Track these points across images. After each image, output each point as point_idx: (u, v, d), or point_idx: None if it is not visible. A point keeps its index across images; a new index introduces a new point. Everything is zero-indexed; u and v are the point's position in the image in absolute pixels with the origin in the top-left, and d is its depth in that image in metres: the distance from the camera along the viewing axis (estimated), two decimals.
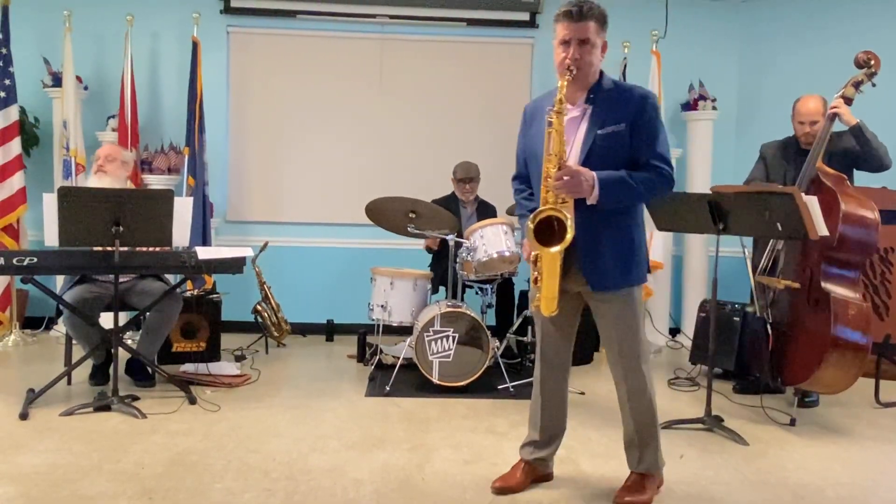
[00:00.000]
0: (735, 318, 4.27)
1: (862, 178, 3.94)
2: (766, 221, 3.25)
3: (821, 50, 5.21)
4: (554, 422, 2.71)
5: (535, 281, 2.44)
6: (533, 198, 2.59)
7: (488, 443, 3.15)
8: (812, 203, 3.19)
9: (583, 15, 2.36)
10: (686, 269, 5.48)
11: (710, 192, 3.53)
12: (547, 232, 2.36)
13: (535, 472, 2.73)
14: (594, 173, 2.35)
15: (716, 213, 3.34)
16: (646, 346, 2.55)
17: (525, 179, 2.67)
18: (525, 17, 5.51)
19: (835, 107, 3.62)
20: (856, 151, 3.71)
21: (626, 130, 2.41)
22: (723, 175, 5.25)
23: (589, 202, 2.36)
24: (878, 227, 3.46)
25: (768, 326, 3.68)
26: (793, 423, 3.52)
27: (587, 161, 2.40)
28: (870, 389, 3.96)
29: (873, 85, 3.66)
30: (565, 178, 2.33)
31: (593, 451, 3.14)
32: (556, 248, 2.33)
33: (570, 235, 2.32)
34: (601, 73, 2.49)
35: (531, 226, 2.35)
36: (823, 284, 3.46)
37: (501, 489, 2.65)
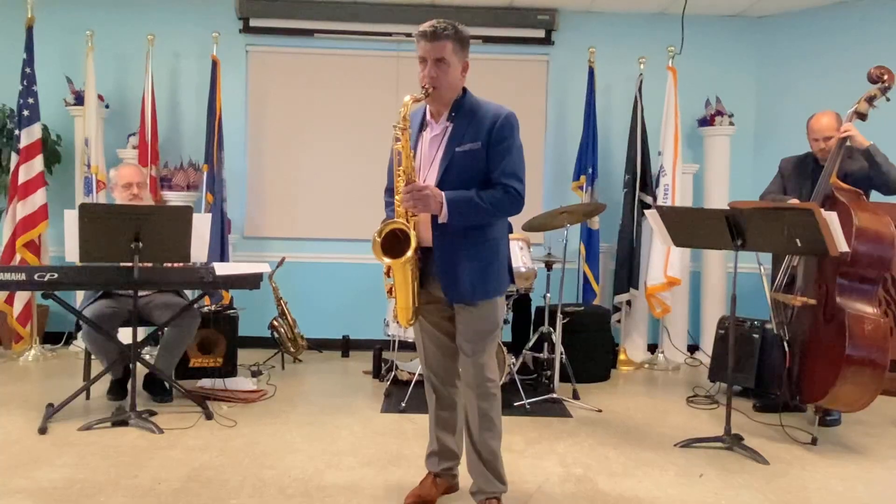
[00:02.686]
0: (754, 335, 4.22)
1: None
2: (786, 237, 3.22)
3: (839, 65, 5.18)
4: (451, 428, 2.74)
5: (390, 292, 2.50)
6: None
7: (505, 460, 3.11)
8: (832, 218, 3.16)
9: (437, 35, 2.41)
10: (704, 286, 5.44)
11: (727, 207, 3.52)
12: (396, 244, 2.42)
13: (445, 485, 2.75)
14: (443, 193, 2.39)
15: (734, 228, 3.31)
16: (497, 356, 2.64)
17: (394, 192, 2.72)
18: (540, 34, 5.54)
19: (846, 131, 3.59)
20: (869, 174, 3.68)
21: (483, 149, 2.45)
22: (741, 191, 5.21)
23: (440, 220, 2.40)
24: (894, 241, 3.42)
25: (785, 344, 3.64)
26: (814, 442, 3.47)
27: (445, 177, 2.45)
28: (892, 408, 3.90)
29: (887, 99, 3.64)
30: (410, 193, 2.38)
31: (611, 469, 3.11)
32: (389, 260, 2.39)
33: (412, 246, 2.38)
34: (465, 92, 2.54)
35: (377, 238, 2.41)
36: (838, 300, 3.42)
37: (416, 503, 2.66)
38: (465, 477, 2.86)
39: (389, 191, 2.76)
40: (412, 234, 2.40)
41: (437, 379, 2.71)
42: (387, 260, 2.41)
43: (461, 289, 2.48)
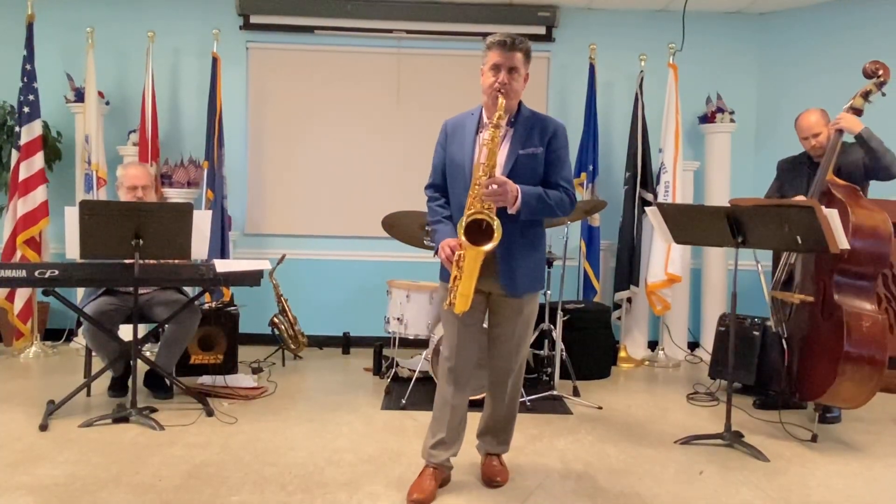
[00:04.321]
0: (755, 333, 4.23)
1: (883, 190, 3.89)
2: (786, 235, 3.22)
3: (840, 62, 5.16)
4: (460, 416, 2.83)
5: (454, 280, 2.60)
6: (447, 206, 2.79)
7: (505, 457, 3.12)
8: (833, 216, 3.16)
9: (514, 46, 2.66)
10: (705, 283, 5.44)
11: (728, 205, 3.51)
12: (473, 233, 2.55)
13: (442, 476, 2.82)
14: (518, 186, 2.58)
15: (734, 226, 3.31)
16: (530, 343, 2.94)
17: (439, 188, 2.84)
18: (541, 31, 5.52)
19: (838, 121, 3.59)
20: (864, 161, 3.67)
21: (542, 154, 2.69)
22: (742, 188, 5.21)
23: (510, 212, 2.58)
24: (891, 238, 3.42)
25: (784, 341, 3.64)
26: (814, 439, 3.47)
27: (509, 176, 2.62)
28: (892, 405, 3.90)
29: (883, 94, 3.64)
30: (494, 186, 2.52)
31: (611, 466, 3.11)
32: (487, 247, 2.52)
33: (498, 235, 2.52)
34: (520, 101, 2.75)
35: (464, 223, 2.55)
36: (836, 297, 3.42)
37: (420, 501, 2.68)
38: (458, 469, 2.87)
39: (433, 187, 2.87)
40: (497, 224, 2.53)
41: (460, 368, 2.79)
42: (485, 247, 2.52)
43: (517, 281, 2.70)
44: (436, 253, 2.72)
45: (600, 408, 4.01)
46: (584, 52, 5.39)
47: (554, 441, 3.42)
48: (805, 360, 3.56)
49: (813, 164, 3.82)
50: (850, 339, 3.31)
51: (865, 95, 3.63)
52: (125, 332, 3.80)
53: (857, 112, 3.62)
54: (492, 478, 2.85)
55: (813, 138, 3.77)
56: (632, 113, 5.30)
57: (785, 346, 3.63)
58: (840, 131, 3.60)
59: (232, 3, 5.44)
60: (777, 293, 3.73)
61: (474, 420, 3.03)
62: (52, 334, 5.30)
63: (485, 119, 2.71)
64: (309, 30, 5.50)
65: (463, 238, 2.54)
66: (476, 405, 3.76)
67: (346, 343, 5.39)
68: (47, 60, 5.21)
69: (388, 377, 4.42)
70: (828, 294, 3.46)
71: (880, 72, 3.61)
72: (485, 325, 2.86)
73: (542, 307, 4.47)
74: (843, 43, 5.22)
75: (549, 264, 4.43)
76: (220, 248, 5.00)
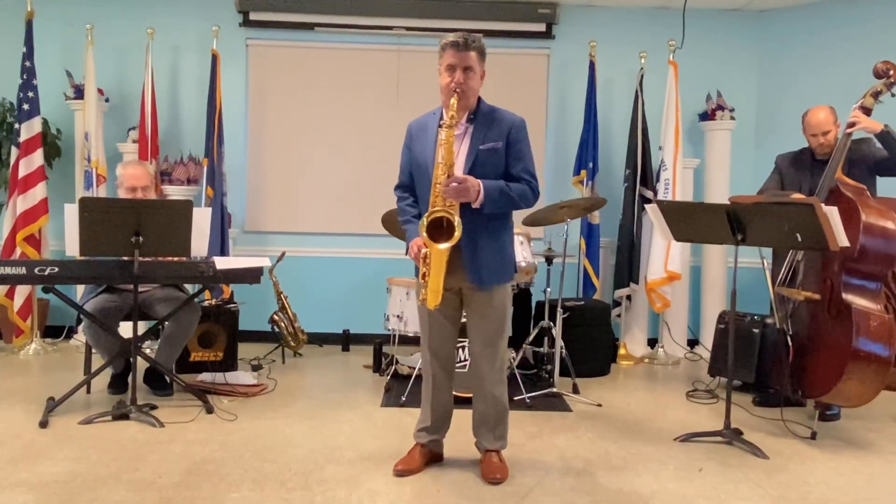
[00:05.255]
0: (755, 330, 4.23)
1: (887, 188, 3.89)
2: (786, 232, 3.22)
3: (840, 59, 5.17)
4: (443, 407, 2.98)
5: (423, 276, 2.69)
6: (416, 205, 2.90)
7: (505, 454, 3.13)
8: (832, 214, 3.15)
9: (468, 46, 2.73)
10: (704, 280, 5.44)
11: (728, 202, 3.51)
12: (436, 231, 2.65)
13: (430, 454, 3.01)
14: (479, 181, 2.67)
15: (734, 223, 3.31)
16: (507, 336, 2.93)
17: (408, 188, 2.95)
18: (541, 27, 5.52)
19: (853, 122, 3.58)
20: (877, 157, 3.66)
21: (503, 148, 2.77)
22: (741, 185, 5.21)
23: (474, 206, 2.68)
24: None
25: (788, 338, 3.64)
26: (813, 436, 3.47)
27: (471, 172, 2.73)
28: (892, 403, 3.90)
29: (893, 95, 3.63)
30: (454, 184, 2.62)
31: (611, 464, 3.11)
32: (445, 245, 2.62)
33: (458, 233, 2.61)
34: (479, 98, 2.83)
35: (425, 222, 2.64)
36: (844, 296, 3.42)
37: (403, 472, 2.89)
38: (458, 466, 2.88)
39: (401, 187, 2.97)
40: (457, 221, 2.61)
41: (437, 362, 2.93)
42: (443, 246, 2.61)
43: (483, 274, 2.76)
44: (407, 251, 2.80)
45: (600, 405, 4.01)
46: (584, 49, 5.38)
47: (553, 438, 3.42)
48: (809, 357, 3.55)
49: (815, 161, 3.81)
50: (858, 339, 3.30)
51: (876, 95, 3.62)
52: (125, 329, 3.80)
53: (867, 112, 3.61)
54: (491, 474, 2.86)
55: (822, 136, 3.75)
56: (632, 110, 5.30)
57: (790, 342, 3.63)
58: (851, 135, 3.59)
59: (231, 1, 5.43)
60: (783, 289, 3.73)
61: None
62: (51, 331, 5.31)
63: (447, 118, 2.76)
64: (309, 27, 5.50)
65: (425, 236, 2.63)
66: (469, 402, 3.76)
67: (345, 340, 5.39)
68: (47, 57, 5.20)
69: (387, 374, 4.42)
70: (835, 292, 3.45)
71: (891, 72, 3.60)
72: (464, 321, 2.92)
73: (541, 304, 4.48)
74: (843, 40, 5.21)
75: (549, 262, 4.45)
76: (220, 245, 5.00)
